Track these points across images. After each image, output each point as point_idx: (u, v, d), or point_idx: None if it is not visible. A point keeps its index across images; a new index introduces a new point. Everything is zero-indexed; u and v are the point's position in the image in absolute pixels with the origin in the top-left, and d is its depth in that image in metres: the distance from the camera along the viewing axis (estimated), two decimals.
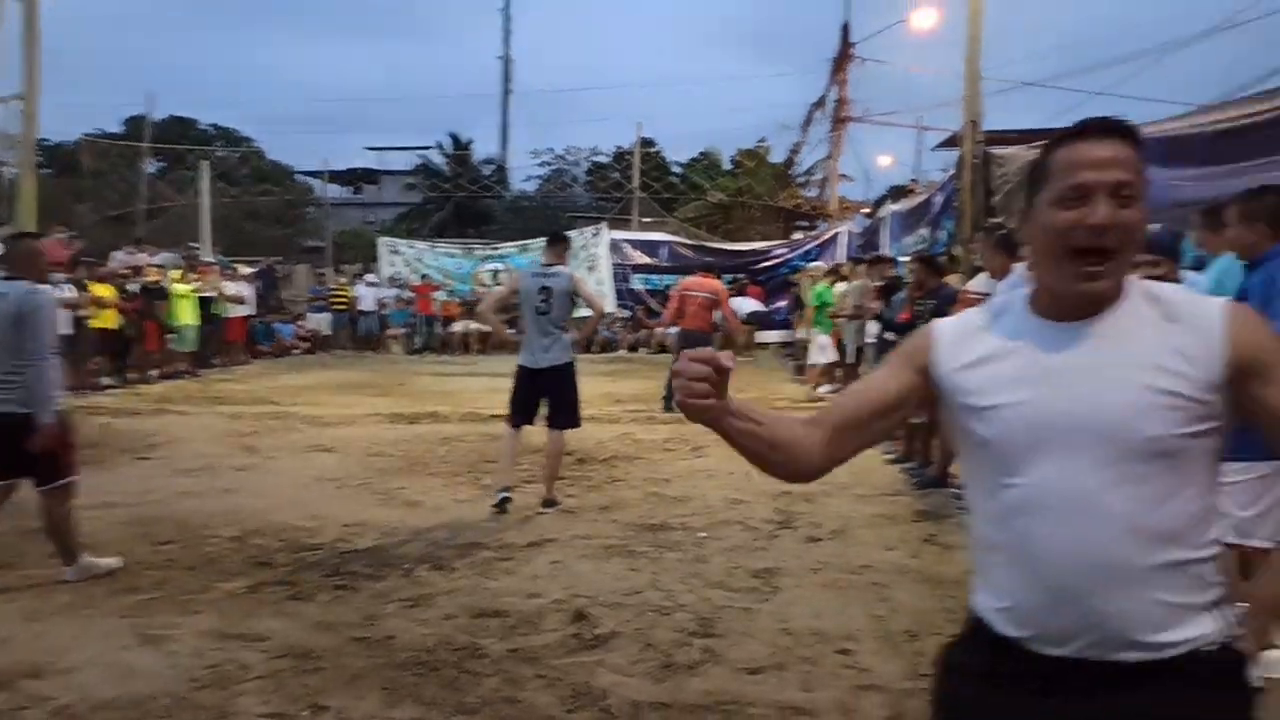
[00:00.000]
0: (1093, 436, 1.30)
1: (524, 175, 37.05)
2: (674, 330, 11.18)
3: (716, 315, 10.73)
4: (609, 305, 18.20)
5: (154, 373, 13.76)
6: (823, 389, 12.69)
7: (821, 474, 1.55)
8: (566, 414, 6.10)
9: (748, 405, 1.45)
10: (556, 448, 6.08)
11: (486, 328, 19.08)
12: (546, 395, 6.11)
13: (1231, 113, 5.74)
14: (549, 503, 6.00)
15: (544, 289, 6.07)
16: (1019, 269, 5.17)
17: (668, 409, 9.89)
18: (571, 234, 11.22)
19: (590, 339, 8.58)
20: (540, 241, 10.07)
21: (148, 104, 24.98)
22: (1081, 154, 1.34)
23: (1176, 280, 4.01)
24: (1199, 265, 4.56)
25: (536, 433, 6.32)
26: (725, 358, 1.36)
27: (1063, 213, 1.34)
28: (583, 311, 8.13)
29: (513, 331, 7.18)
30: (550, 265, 6.24)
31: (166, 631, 3.87)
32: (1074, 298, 1.36)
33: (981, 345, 1.44)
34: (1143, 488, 1.28)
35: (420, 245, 22.19)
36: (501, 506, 5.85)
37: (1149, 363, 1.30)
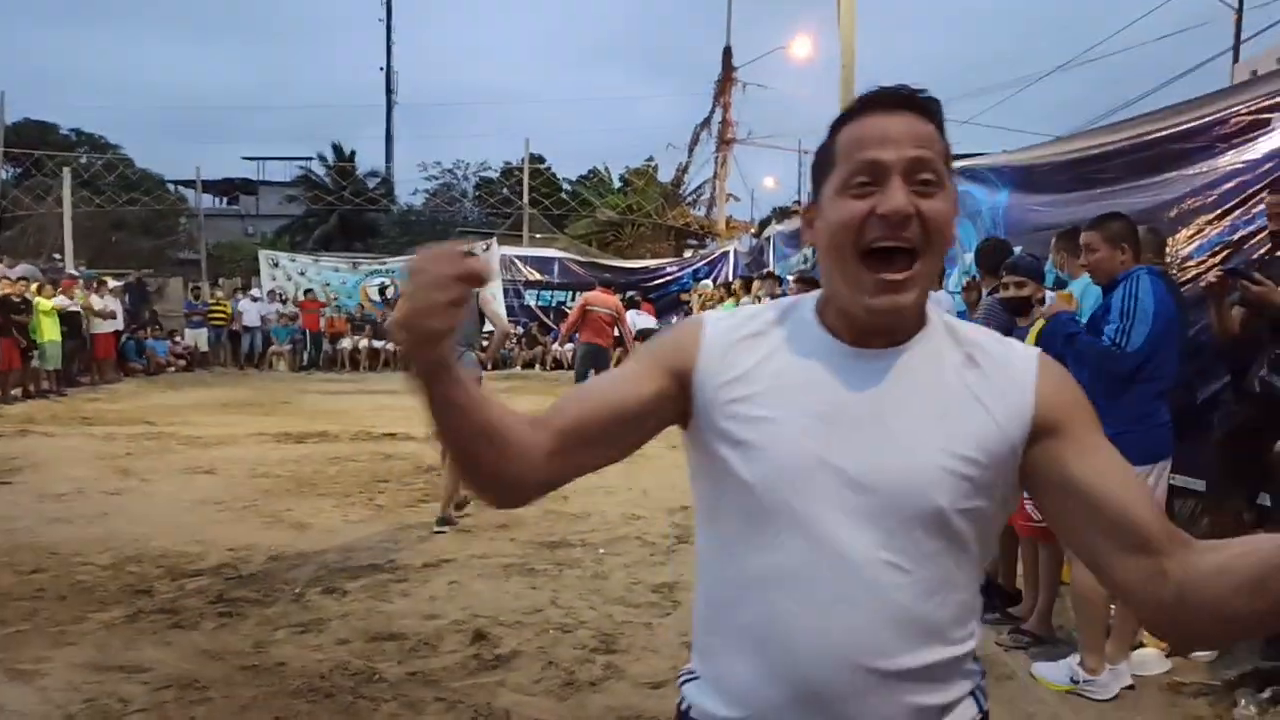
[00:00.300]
0: (875, 501, 1.06)
1: (411, 189, 36.41)
2: (571, 345, 11.23)
3: (617, 330, 10.89)
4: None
5: (15, 392, 12.90)
6: None
7: (537, 494, 1.16)
8: None
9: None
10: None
11: (381, 344, 18.75)
12: None
13: (1083, 143, 6.18)
14: (444, 521, 5.93)
15: None
16: None
17: None
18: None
19: (494, 357, 8.64)
20: None
21: (0, 106, 23.39)
22: (871, 128, 1.07)
23: (1043, 301, 4.29)
24: (1058, 285, 4.88)
25: (430, 452, 6.25)
26: (479, 264, 1.01)
27: (851, 201, 1.07)
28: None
29: None
30: None
31: (37, 666, 3.65)
32: (869, 315, 1.08)
33: (759, 354, 1.15)
34: (920, 570, 1.06)
35: (303, 259, 21.56)
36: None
37: (950, 416, 1.08)
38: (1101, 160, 5.81)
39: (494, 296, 14.35)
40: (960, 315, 6.12)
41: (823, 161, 1.14)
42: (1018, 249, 5.39)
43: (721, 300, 12.43)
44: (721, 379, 1.14)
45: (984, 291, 5.00)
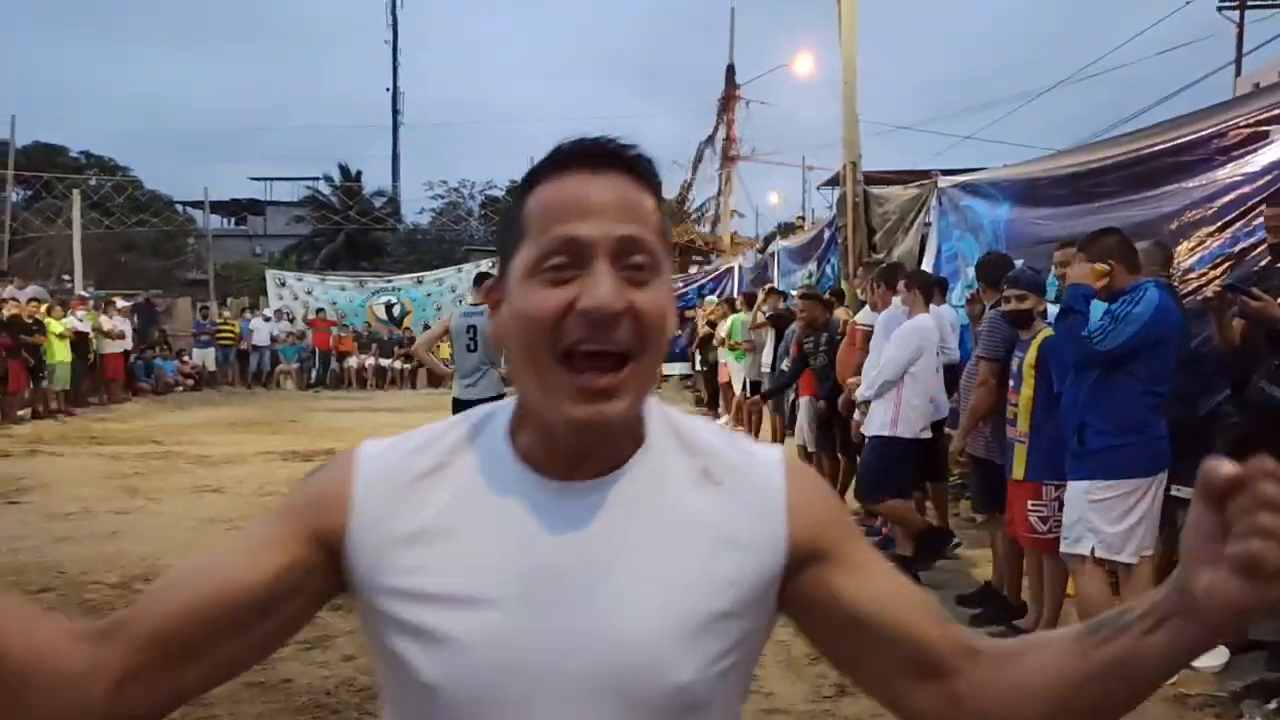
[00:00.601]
0: (595, 688, 0.82)
1: (417, 207, 36.60)
2: None
3: None
4: None
5: (24, 413, 12.99)
6: (721, 420, 12.97)
7: None
8: None
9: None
10: None
11: (402, 364, 18.85)
12: None
13: (1084, 157, 6.21)
14: None
15: (470, 328, 6.41)
16: (896, 301, 5.45)
17: None
18: (467, 266, 11.36)
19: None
20: (436, 274, 10.23)
21: (11, 129, 23.66)
22: (569, 193, 0.82)
23: (1045, 314, 4.31)
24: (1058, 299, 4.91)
25: None
26: None
27: (543, 290, 0.81)
28: None
29: (453, 367, 7.37)
30: (476, 305, 6.55)
31: None
32: (570, 430, 0.82)
33: (438, 500, 0.86)
34: None
35: (310, 278, 21.71)
36: None
37: (686, 560, 0.84)
38: (1102, 174, 5.84)
39: None
40: (963, 329, 6.15)
41: (510, 230, 0.86)
42: (1019, 262, 5.41)
43: (725, 315, 12.44)
44: (386, 542, 0.84)
45: (986, 305, 5.03)
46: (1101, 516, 3.53)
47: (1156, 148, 5.31)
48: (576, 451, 0.85)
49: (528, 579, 0.83)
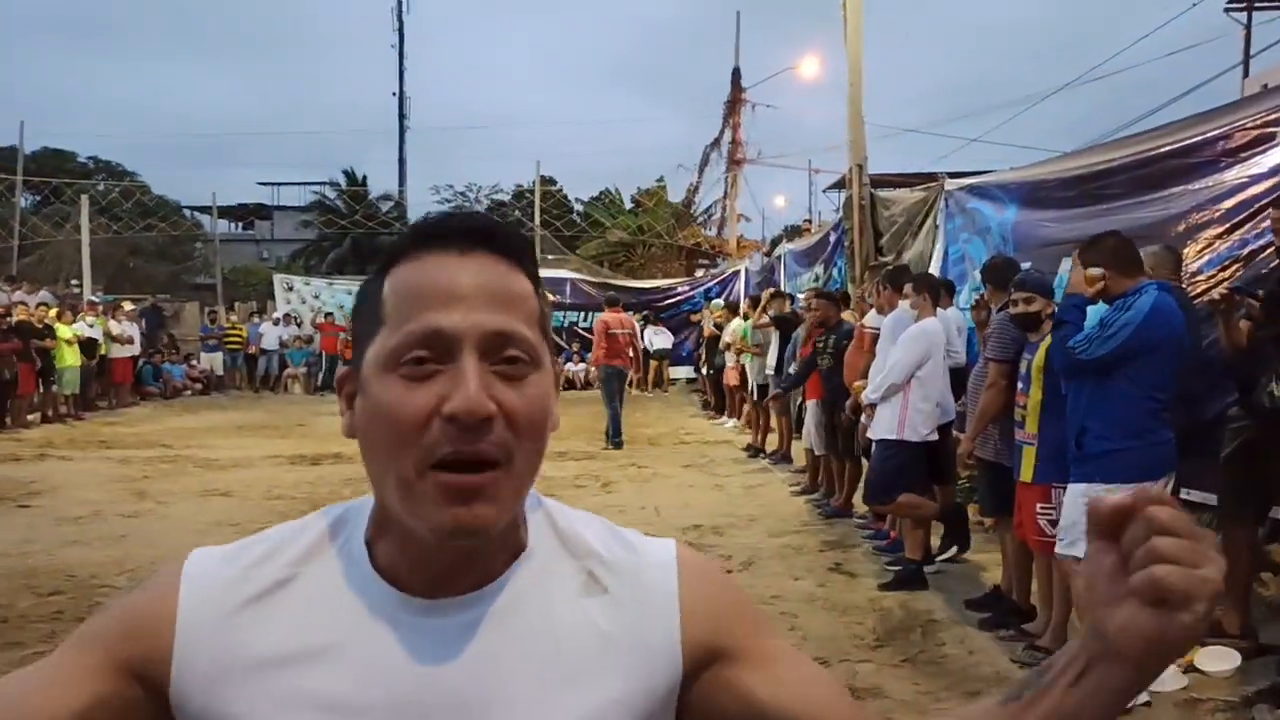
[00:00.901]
0: None
1: (423, 211, 36.63)
2: (582, 365, 11.66)
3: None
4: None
5: (33, 417, 13.05)
6: (720, 422, 12.99)
7: None
8: None
9: None
10: None
11: None
12: None
13: (1091, 159, 6.20)
14: None
15: None
16: (903, 305, 5.45)
17: (616, 445, 10.56)
18: None
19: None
20: None
21: (20, 134, 23.77)
22: (432, 277, 0.73)
23: (1053, 316, 4.30)
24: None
25: None
26: None
27: (403, 387, 0.71)
28: None
29: None
30: None
31: None
32: (437, 538, 0.71)
33: (280, 624, 0.75)
34: None
35: (317, 282, 21.77)
36: None
37: (574, 683, 0.76)
38: (1109, 175, 5.83)
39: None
40: (970, 333, 6.14)
41: (365, 314, 0.76)
42: (1026, 264, 5.41)
43: (729, 320, 12.47)
44: (221, 673, 0.73)
45: (992, 309, 5.02)
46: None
47: (1164, 149, 5.30)
48: (444, 565, 0.75)
49: (387, 714, 0.72)
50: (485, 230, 0.76)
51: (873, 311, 6.25)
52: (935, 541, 5.64)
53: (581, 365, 18.62)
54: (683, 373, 18.71)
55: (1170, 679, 3.63)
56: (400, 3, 38.66)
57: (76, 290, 18.92)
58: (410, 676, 0.73)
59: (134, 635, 0.74)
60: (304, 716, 0.72)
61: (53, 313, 13.91)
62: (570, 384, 18.41)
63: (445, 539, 0.71)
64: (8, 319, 12.85)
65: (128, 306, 16.91)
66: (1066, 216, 6.27)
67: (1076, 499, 3.60)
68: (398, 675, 0.73)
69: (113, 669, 0.73)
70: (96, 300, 16.55)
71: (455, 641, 0.74)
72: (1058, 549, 3.71)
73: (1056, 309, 3.80)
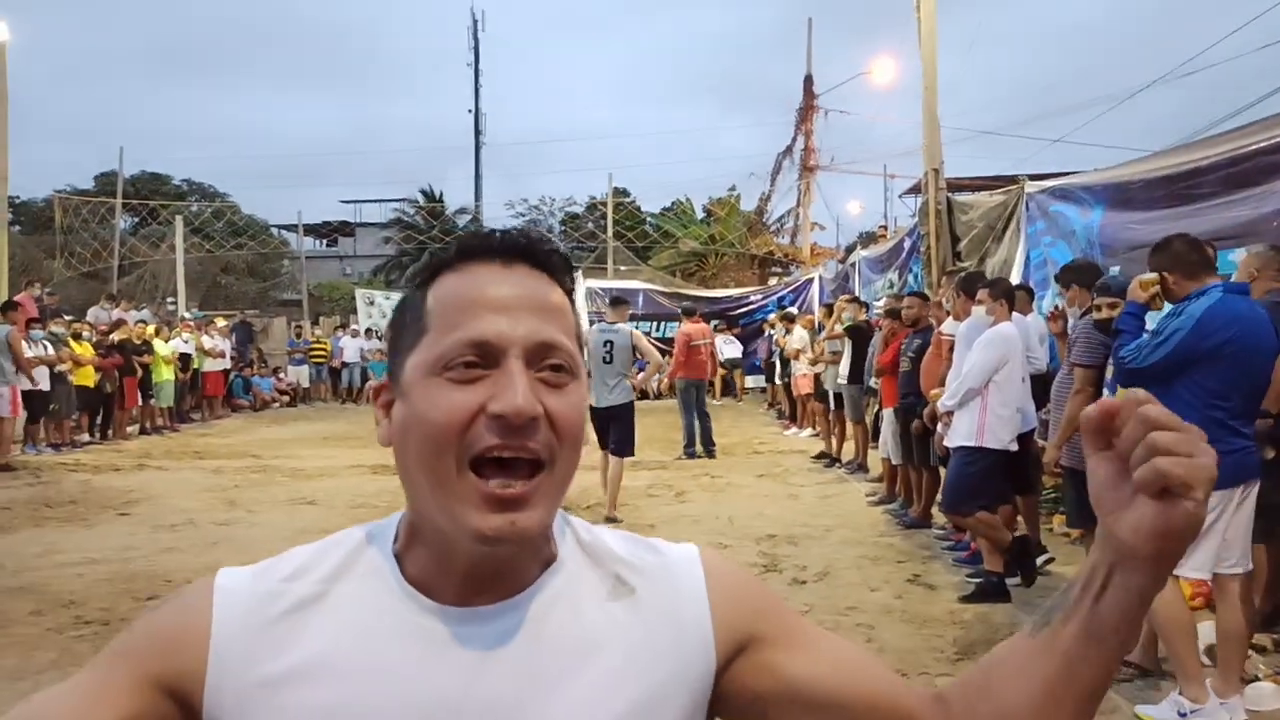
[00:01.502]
0: None
1: (499, 225, 37.25)
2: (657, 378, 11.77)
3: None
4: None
5: (132, 429, 13.68)
6: (793, 431, 12.87)
7: None
8: (626, 444, 7.31)
9: None
10: (617, 471, 7.24)
11: None
12: (611, 428, 7.24)
13: (1180, 158, 5.99)
14: (611, 520, 6.66)
15: (608, 342, 7.33)
16: (978, 310, 5.33)
17: (690, 455, 10.72)
18: None
19: (645, 385, 9.87)
20: None
21: (120, 160, 25.02)
22: (480, 288, 0.77)
23: None
24: None
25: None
26: None
27: (451, 391, 0.73)
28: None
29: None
30: (613, 323, 7.59)
31: None
32: (478, 544, 0.73)
33: (313, 640, 0.75)
34: None
35: (397, 296, 22.29)
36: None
37: (608, 685, 0.77)
38: (1199, 174, 5.63)
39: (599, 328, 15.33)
40: (1051, 339, 5.97)
41: (406, 324, 0.79)
42: (1115, 268, 5.25)
43: (788, 329, 12.41)
44: (254, 687, 0.74)
45: (1069, 318, 4.89)
46: None
47: (1256, 146, 5.09)
48: (478, 573, 0.76)
49: None
50: (526, 245, 0.79)
51: (949, 319, 6.13)
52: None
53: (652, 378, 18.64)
54: (754, 381, 18.62)
55: (1271, 697, 3.48)
56: (475, 23, 39.59)
57: (172, 307, 19.80)
58: (448, 685, 0.74)
59: (167, 652, 0.75)
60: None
61: (150, 329, 14.58)
62: (643, 394, 18.45)
63: (486, 545, 0.72)
64: (110, 336, 13.52)
65: (220, 323, 17.63)
66: (1155, 218, 6.06)
67: None
68: (436, 684, 0.74)
69: (145, 685, 0.73)
70: (189, 317, 17.28)
71: (492, 649, 0.75)
72: None
73: (1120, 313, 3.69)
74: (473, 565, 0.76)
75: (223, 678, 0.74)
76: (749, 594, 0.85)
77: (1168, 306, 3.60)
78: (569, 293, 0.81)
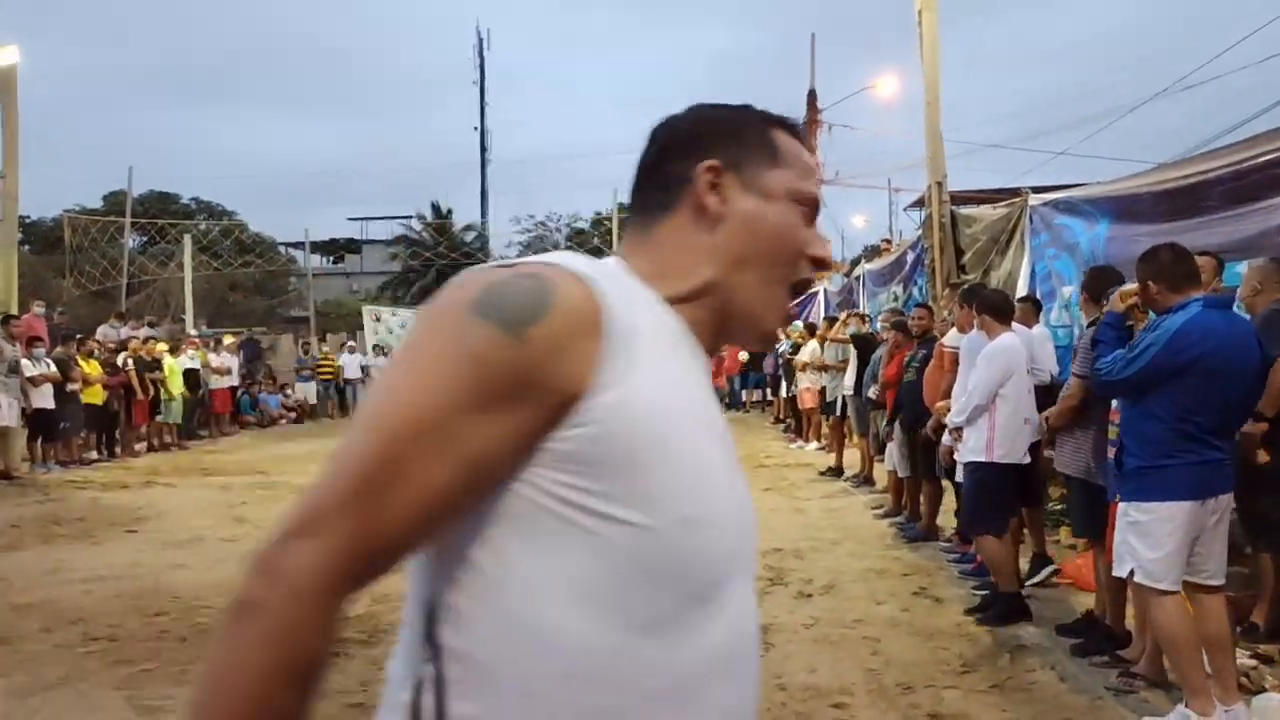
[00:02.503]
0: (750, 550, 0.90)
1: (505, 241, 37.47)
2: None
3: None
4: None
5: (140, 446, 13.72)
6: (798, 445, 12.84)
7: None
8: None
9: None
10: None
11: None
12: None
13: (1184, 170, 5.99)
14: None
15: None
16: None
17: None
18: None
19: None
20: None
21: (129, 179, 25.21)
22: (810, 164, 0.98)
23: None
24: None
25: None
26: None
27: (801, 225, 0.93)
28: None
29: None
30: None
31: (163, 703, 3.86)
32: (761, 343, 0.97)
33: (660, 359, 0.81)
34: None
35: (404, 312, 22.41)
36: None
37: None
38: (1205, 188, 5.62)
39: None
40: (1062, 350, 5.97)
41: (751, 140, 0.93)
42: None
43: (806, 341, 12.38)
44: (636, 408, 0.76)
45: (1084, 324, 4.88)
46: (1139, 540, 3.38)
47: (1261, 159, 5.10)
48: (708, 341, 0.91)
49: (720, 447, 0.87)
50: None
51: (953, 330, 6.13)
52: (1024, 565, 5.48)
53: None
54: (757, 395, 18.60)
55: (1278, 709, 3.46)
56: (481, 41, 39.88)
57: (182, 325, 19.89)
58: (716, 419, 0.88)
59: (554, 355, 0.75)
60: (697, 451, 0.83)
61: (162, 346, 14.65)
62: None
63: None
64: (119, 354, 13.59)
65: (228, 340, 17.70)
66: (1162, 231, 6.04)
67: (1121, 517, 3.50)
68: (713, 418, 0.87)
69: (526, 409, 0.76)
70: (195, 335, 17.34)
71: (712, 396, 0.91)
72: (1114, 570, 3.61)
73: (1104, 330, 3.71)
74: (713, 338, 0.91)
75: (603, 403, 0.77)
76: None
77: (1152, 316, 3.62)
78: None
